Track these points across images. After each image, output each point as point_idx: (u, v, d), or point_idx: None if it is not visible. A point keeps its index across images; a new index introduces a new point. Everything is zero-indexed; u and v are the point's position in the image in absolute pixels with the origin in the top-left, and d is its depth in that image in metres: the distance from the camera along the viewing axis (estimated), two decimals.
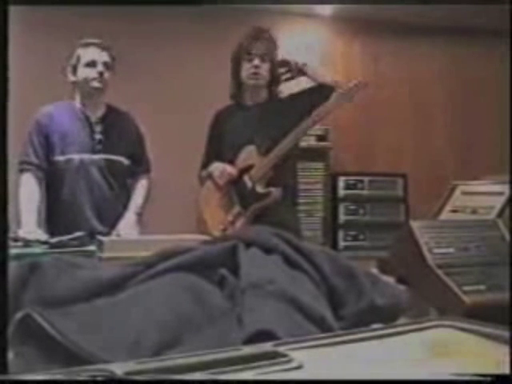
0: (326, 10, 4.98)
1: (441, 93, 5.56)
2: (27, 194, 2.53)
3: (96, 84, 2.58)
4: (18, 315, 0.75)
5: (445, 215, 2.14)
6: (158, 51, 4.60)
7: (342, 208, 4.87)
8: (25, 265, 0.90)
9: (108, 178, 2.62)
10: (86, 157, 2.57)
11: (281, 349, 0.69)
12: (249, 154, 2.50)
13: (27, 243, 1.93)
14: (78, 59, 2.59)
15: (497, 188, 2.06)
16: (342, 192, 4.87)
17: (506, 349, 0.70)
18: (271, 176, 2.46)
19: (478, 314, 0.92)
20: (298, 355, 0.67)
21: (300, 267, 0.97)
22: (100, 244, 1.65)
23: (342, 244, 4.83)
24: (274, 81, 2.56)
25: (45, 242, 1.96)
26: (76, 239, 1.92)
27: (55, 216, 2.60)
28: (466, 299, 1.33)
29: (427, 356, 0.72)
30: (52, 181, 2.59)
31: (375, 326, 0.86)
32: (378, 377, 0.61)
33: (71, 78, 2.61)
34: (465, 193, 2.20)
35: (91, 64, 2.57)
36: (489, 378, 0.60)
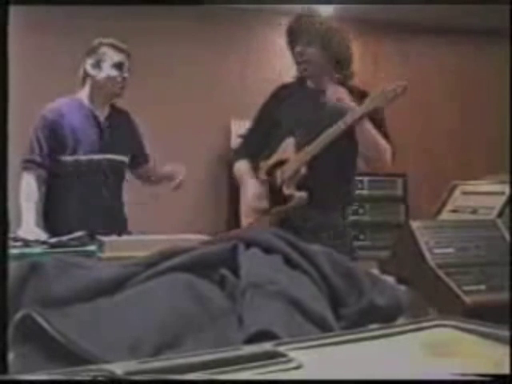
0: (326, 9, 4.98)
1: (441, 93, 5.56)
2: (28, 192, 2.53)
3: (117, 90, 2.60)
4: (18, 315, 0.75)
5: (445, 215, 2.14)
6: (159, 50, 4.61)
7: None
8: (25, 265, 0.90)
9: (112, 177, 2.65)
10: (96, 157, 2.59)
11: (281, 349, 0.69)
12: (286, 147, 2.29)
13: (27, 243, 1.93)
14: (104, 56, 2.57)
15: (497, 188, 2.06)
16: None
17: (506, 349, 0.69)
18: (302, 176, 2.22)
19: (478, 314, 0.92)
20: (297, 355, 0.67)
21: (300, 267, 0.97)
22: (100, 244, 1.65)
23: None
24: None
25: (44, 242, 1.97)
26: (76, 239, 1.92)
27: (57, 216, 2.60)
28: (466, 299, 1.33)
29: (427, 356, 0.72)
30: (58, 180, 2.59)
31: (375, 325, 0.86)
32: (378, 377, 0.61)
33: (91, 71, 2.59)
34: (465, 193, 2.20)
35: (118, 66, 2.58)
36: (489, 378, 0.59)
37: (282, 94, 2.41)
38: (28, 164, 2.56)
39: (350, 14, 5.02)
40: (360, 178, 4.94)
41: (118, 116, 2.72)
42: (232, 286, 0.92)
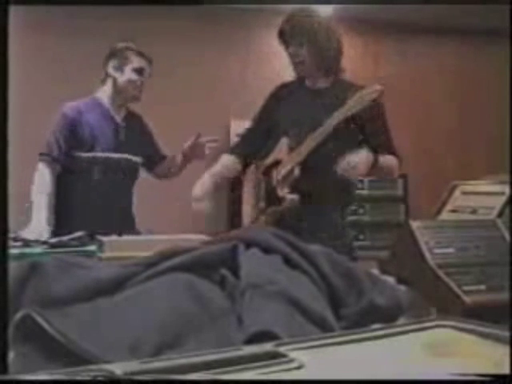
0: (326, 9, 4.98)
1: (441, 93, 5.56)
2: (41, 183, 2.58)
3: (137, 93, 2.69)
4: (18, 315, 0.75)
5: (445, 215, 2.14)
6: (159, 50, 4.60)
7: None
8: (25, 265, 0.90)
9: (127, 176, 2.73)
10: (112, 156, 2.65)
11: (281, 349, 0.69)
12: (281, 148, 2.29)
13: (27, 243, 1.93)
14: (127, 60, 2.66)
15: (497, 188, 2.06)
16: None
17: (506, 349, 0.69)
18: (296, 177, 2.20)
19: (478, 314, 0.92)
20: (298, 355, 0.67)
21: (300, 267, 0.97)
22: (100, 244, 1.65)
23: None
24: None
25: (45, 242, 1.97)
26: (76, 239, 1.92)
27: (69, 212, 2.64)
28: (466, 299, 1.33)
29: (427, 356, 0.72)
30: (72, 176, 2.64)
31: (375, 326, 0.86)
32: (379, 377, 0.61)
33: (113, 73, 2.66)
34: (465, 193, 2.20)
35: (139, 71, 2.68)
36: (489, 378, 0.59)
37: (280, 93, 2.41)
38: (44, 157, 2.61)
39: (350, 13, 5.02)
40: (360, 178, 4.94)
41: (133, 118, 2.80)
42: (232, 286, 0.92)
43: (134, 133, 2.77)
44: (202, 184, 2.34)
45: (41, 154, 2.61)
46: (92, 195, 2.62)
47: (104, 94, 2.70)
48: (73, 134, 2.61)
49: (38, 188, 2.57)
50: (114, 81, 2.67)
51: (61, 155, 2.60)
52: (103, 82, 2.70)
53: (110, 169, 2.65)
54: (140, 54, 2.68)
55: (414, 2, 4.54)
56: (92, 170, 2.62)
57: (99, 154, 2.62)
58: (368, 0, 4.77)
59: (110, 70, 2.66)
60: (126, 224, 2.62)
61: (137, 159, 2.76)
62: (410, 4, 4.59)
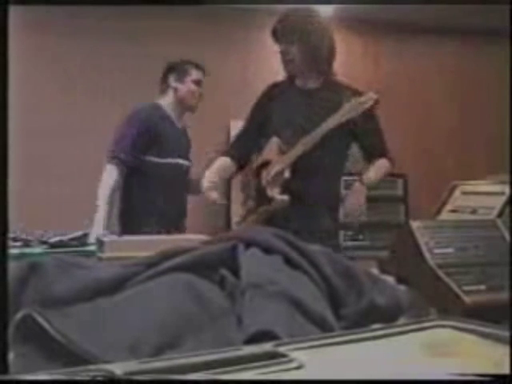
0: (326, 10, 4.98)
1: (441, 93, 5.56)
2: (106, 187, 2.66)
3: (195, 103, 2.88)
4: (19, 315, 0.75)
5: (445, 215, 2.14)
6: (158, 50, 4.60)
7: (341, 208, 4.86)
8: (25, 265, 0.90)
9: (186, 180, 2.90)
10: (178, 161, 2.84)
11: (281, 349, 0.69)
12: (271, 148, 2.30)
13: (27, 243, 1.93)
14: (186, 73, 2.86)
15: (497, 188, 2.06)
16: (342, 192, 4.86)
17: (506, 349, 0.69)
18: (286, 179, 2.21)
19: (478, 314, 0.92)
20: (298, 355, 0.67)
21: (300, 267, 0.97)
22: (100, 244, 1.65)
23: (342, 244, 4.82)
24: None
25: (45, 242, 1.97)
26: (76, 239, 1.92)
27: (135, 212, 2.75)
28: (466, 299, 1.33)
29: (427, 356, 0.72)
30: (139, 178, 2.74)
31: (375, 326, 0.86)
32: (379, 377, 0.61)
33: (175, 84, 2.85)
34: (465, 193, 2.20)
35: (197, 82, 2.88)
36: (489, 378, 0.59)
37: (272, 92, 2.41)
38: (113, 159, 2.68)
39: (350, 13, 5.02)
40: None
41: (185, 129, 2.99)
42: (232, 286, 0.92)
43: (187, 141, 2.97)
44: (209, 175, 2.34)
45: (110, 156, 2.68)
46: (158, 196, 2.73)
47: (165, 103, 2.86)
48: (143, 138, 2.70)
49: (104, 189, 2.64)
50: (176, 91, 2.84)
51: (130, 157, 2.69)
52: (163, 92, 2.87)
53: (176, 172, 2.80)
54: (197, 67, 2.87)
55: (414, 2, 4.54)
56: (162, 174, 2.74)
57: (170, 160, 2.77)
58: (368, 0, 4.77)
59: (172, 82, 2.84)
60: (182, 224, 2.82)
61: (190, 165, 2.93)
62: (410, 4, 4.58)
